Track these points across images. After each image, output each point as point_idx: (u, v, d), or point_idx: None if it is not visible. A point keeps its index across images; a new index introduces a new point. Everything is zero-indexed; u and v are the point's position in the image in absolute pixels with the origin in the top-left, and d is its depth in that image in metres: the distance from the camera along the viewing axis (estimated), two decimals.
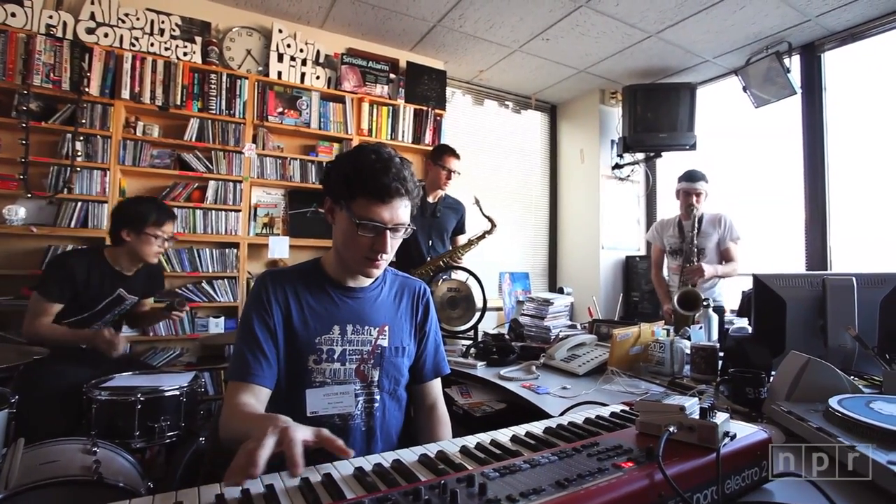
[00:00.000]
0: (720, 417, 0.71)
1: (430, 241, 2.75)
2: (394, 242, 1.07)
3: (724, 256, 2.79)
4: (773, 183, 3.60)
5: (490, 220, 2.52)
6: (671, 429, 0.70)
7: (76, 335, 1.93)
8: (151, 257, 2.06)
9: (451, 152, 2.79)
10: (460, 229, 2.94)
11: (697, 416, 0.71)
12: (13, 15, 2.52)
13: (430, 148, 3.56)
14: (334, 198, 1.07)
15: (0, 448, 1.15)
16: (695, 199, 2.78)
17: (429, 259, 2.64)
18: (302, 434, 0.68)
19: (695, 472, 0.64)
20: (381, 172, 1.01)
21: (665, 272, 3.06)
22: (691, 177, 2.83)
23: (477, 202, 2.55)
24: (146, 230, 2.00)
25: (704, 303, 2.02)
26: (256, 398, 0.98)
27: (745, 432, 0.75)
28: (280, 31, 3.13)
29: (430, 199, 2.79)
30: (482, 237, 2.55)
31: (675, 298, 2.44)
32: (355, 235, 1.03)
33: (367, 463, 0.70)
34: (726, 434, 0.71)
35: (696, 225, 2.74)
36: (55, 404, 1.73)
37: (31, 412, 1.57)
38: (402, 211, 1.06)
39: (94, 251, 2.09)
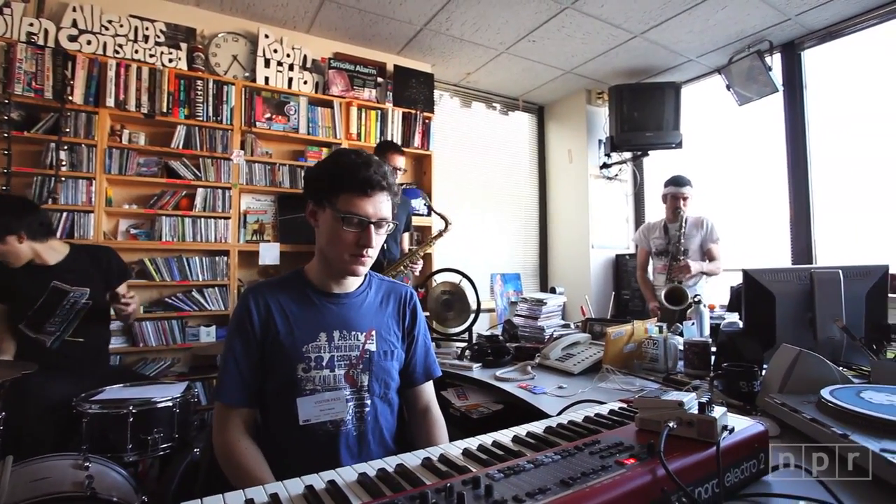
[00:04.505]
0: (718, 411, 0.72)
1: (385, 243, 2.73)
2: (378, 238, 1.09)
3: (708, 256, 2.97)
4: (758, 179, 3.66)
5: (443, 217, 2.52)
6: (671, 424, 0.71)
7: None
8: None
9: (396, 148, 2.79)
10: (408, 226, 2.95)
11: (696, 411, 0.72)
12: None
13: (420, 151, 3.58)
14: (317, 200, 1.09)
15: None
16: (681, 202, 2.94)
17: (393, 262, 2.62)
18: None
19: (696, 466, 0.65)
20: (363, 167, 1.05)
21: (650, 273, 3.21)
22: (678, 181, 2.99)
23: (426, 202, 2.55)
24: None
25: (696, 298, 2.04)
26: (245, 420, 1.06)
27: (742, 425, 0.76)
28: (266, 36, 3.11)
29: None
30: (439, 236, 2.55)
31: (663, 294, 2.60)
32: (340, 231, 1.05)
33: (370, 468, 0.69)
34: (725, 428, 0.72)
35: (682, 226, 2.89)
36: (45, 419, 1.69)
37: (20, 428, 1.54)
38: (384, 205, 1.09)
39: None
